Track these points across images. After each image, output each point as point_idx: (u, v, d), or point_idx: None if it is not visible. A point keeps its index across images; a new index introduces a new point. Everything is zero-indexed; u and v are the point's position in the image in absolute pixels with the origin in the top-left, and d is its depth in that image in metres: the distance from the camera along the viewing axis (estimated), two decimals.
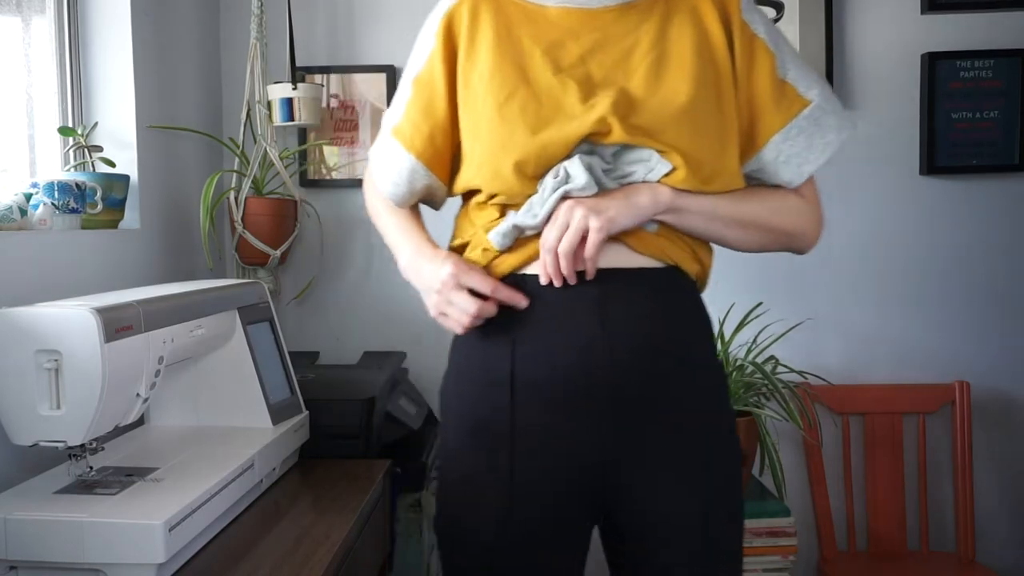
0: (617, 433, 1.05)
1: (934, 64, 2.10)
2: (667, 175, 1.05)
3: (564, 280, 1.05)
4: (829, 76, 2.10)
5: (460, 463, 1.13)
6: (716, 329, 2.00)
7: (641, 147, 1.04)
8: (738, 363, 1.91)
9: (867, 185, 2.15)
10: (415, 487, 1.69)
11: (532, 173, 1.05)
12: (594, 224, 1.01)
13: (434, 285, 1.10)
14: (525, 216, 1.06)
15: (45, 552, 0.99)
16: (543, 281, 1.06)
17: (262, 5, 1.97)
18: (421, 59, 1.16)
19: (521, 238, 1.08)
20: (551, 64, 1.07)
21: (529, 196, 1.06)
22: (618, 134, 1.03)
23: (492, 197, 1.09)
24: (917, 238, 2.16)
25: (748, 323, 1.99)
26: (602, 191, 1.04)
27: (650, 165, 1.05)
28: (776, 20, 2.10)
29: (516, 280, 1.08)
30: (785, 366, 1.95)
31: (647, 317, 1.05)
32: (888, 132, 2.14)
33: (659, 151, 1.04)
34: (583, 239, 1.02)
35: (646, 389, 1.05)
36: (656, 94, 1.05)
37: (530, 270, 1.08)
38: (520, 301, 1.07)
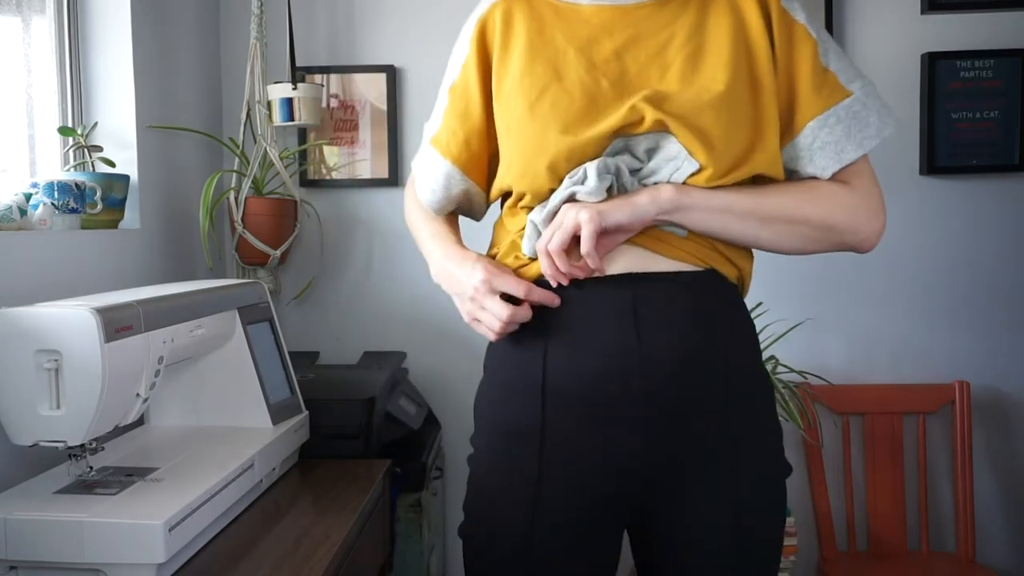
0: (648, 443, 1.03)
1: (934, 64, 2.10)
2: (693, 175, 1.02)
3: (573, 280, 1.04)
4: None
5: (489, 470, 1.12)
6: None
7: (672, 140, 1.02)
8: None
9: None
10: (415, 487, 1.69)
11: (564, 172, 1.04)
12: (583, 216, 0.99)
13: (467, 291, 1.08)
14: (537, 214, 1.06)
15: (45, 552, 0.99)
16: (553, 284, 1.05)
17: (262, 5, 1.97)
18: (456, 67, 1.16)
19: None
20: (585, 61, 1.06)
21: None
22: (650, 121, 1.01)
23: (522, 198, 1.08)
24: (917, 238, 2.16)
25: None
26: (620, 193, 1.03)
27: (677, 164, 1.02)
28: None
29: (546, 286, 1.06)
30: (785, 366, 1.95)
31: (682, 322, 1.03)
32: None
33: (688, 148, 1.01)
34: (577, 238, 1.01)
35: (680, 398, 1.02)
36: (692, 86, 1.03)
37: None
38: (554, 300, 1.05)
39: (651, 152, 1.04)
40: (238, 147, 1.97)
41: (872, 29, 2.13)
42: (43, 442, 1.05)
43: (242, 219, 1.93)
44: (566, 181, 1.04)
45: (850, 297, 2.17)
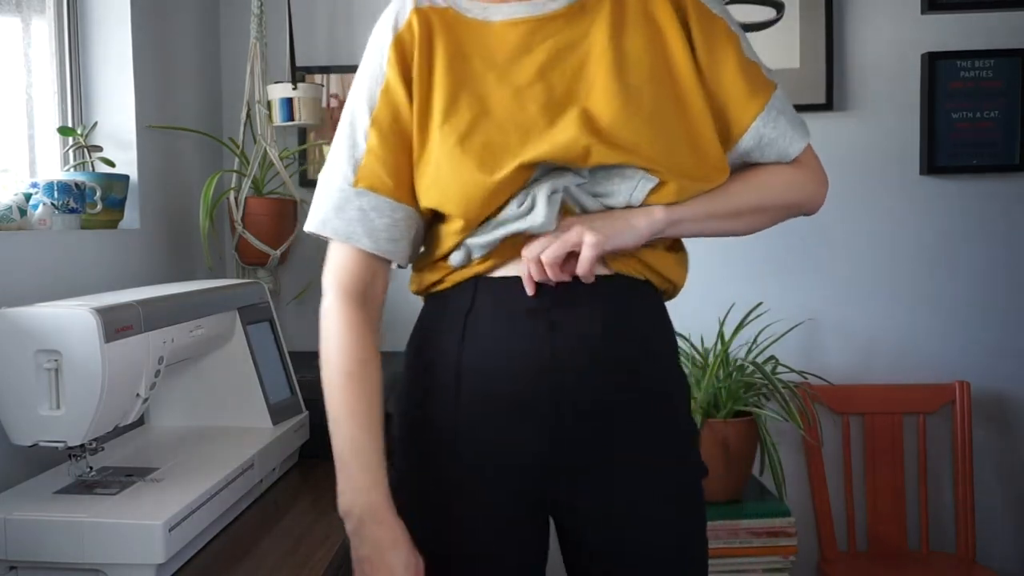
0: (556, 442, 1.03)
1: (934, 64, 2.10)
2: (654, 190, 1.01)
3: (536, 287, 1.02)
4: (829, 76, 2.10)
5: (406, 463, 1.11)
6: (716, 329, 2.00)
7: (624, 165, 1.01)
8: (738, 363, 1.91)
9: (867, 185, 2.15)
10: None
11: (501, 203, 1.01)
12: (589, 239, 0.97)
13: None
14: (477, 241, 1.02)
15: (45, 552, 0.99)
16: (529, 291, 1.02)
17: (262, 5, 1.97)
18: (374, 94, 1.06)
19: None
20: (509, 88, 1.01)
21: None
22: (598, 156, 0.98)
23: (453, 220, 1.03)
24: (917, 238, 2.16)
25: (748, 323, 1.99)
26: (584, 213, 1.02)
27: (633, 183, 1.01)
28: (776, 20, 2.10)
29: (468, 286, 1.05)
30: (785, 366, 1.95)
31: (592, 325, 1.02)
32: (888, 132, 2.14)
33: (643, 167, 1.00)
34: (572, 253, 0.99)
35: (590, 400, 1.02)
36: (621, 105, 1.00)
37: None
38: None
39: (595, 171, 1.02)
40: (238, 147, 1.97)
41: (872, 29, 2.13)
42: (43, 442, 1.05)
43: (242, 219, 1.93)
44: (512, 209, 1.00)
45: (850, 297, 2.17)
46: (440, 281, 1.07)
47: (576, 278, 1.01)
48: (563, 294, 1.02)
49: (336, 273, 1.07)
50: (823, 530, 2.09)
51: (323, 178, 1.07)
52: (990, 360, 2.16)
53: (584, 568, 1.10)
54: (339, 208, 1.04)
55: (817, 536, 2.13)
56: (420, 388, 1.09)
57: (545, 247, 0.99)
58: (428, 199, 1.04)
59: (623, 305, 1.05)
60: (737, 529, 1.82)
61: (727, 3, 2.06)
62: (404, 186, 1.05)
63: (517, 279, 1.02)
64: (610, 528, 1.06)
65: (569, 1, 1.04)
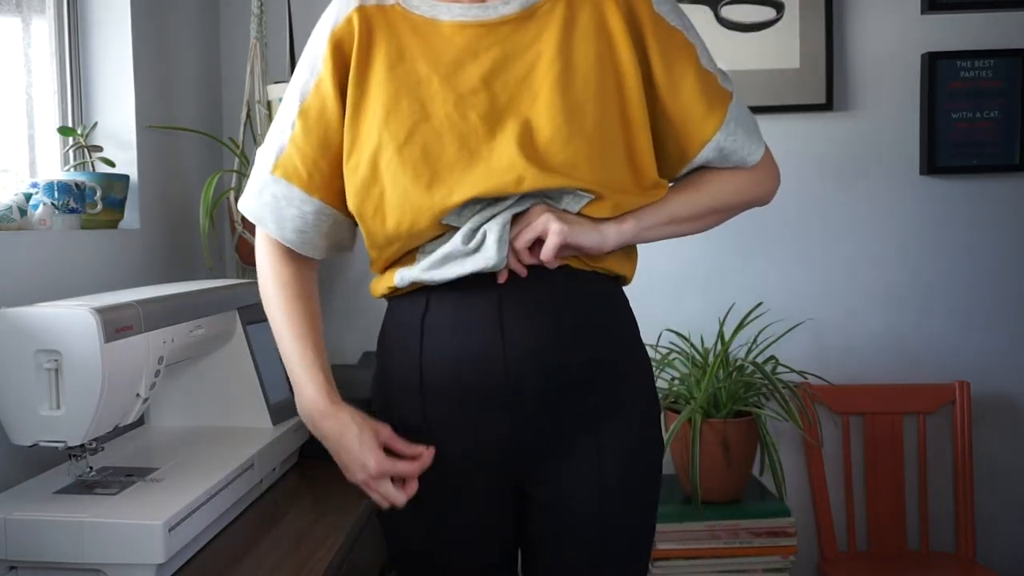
0: (516, 428, 1.05)
1: (934, 64, 2.10)
2: (589, 205, 1.02)
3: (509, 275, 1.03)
4: (829, 76, 2.10)
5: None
6: (716, 329, 2.00)
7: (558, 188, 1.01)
8: (738, 363, 1.91)
9: (867, 185, 2.15)
10: None
11: (436, 226, 1.01)
12: (553, 227, 0.98)
13: (355, 473, 1.02)
14: (423, 265, 1.03)
15: (45, 552, 0.99)
16: (501, 279, 1.03)
17: (262, 5, 1.97)
18: (307, 85, 1.06)
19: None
20: (452, 93, 1.00)
21: (434, 238, 1.03)
22: (532, 183, 0.98)
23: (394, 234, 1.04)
24: (917, 238, 2.16)
25: (748, 323, 1.99)
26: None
27: (569, 198, 1.02)
28: (776, 20, 2.10)
29: (420, 293, 1.06)
30: (785, 366, 1.95)
31: (544, 314, 1.03)
32: (888, 132, 2.14)
33: (579, 188, 1.01)
34: (539, 241, 1.00)
35: (544, 387, 1.03)
36: (563, 122, 1.00)
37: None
38: (425, 463, 1.03)
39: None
40: (238, 147, 1.97)
41: (872, 29, 2.13)
42: (43, 442, 1.05)
43: (242, 219, 1.92)
44: (458, 244, 1.00)
45: (850, 297, 2.17)
46: (394, 289, 1.09)
47: (531, 270, 1.02)
48: (513, 286, 1.03)
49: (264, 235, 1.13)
50: (823, 530, 2.09)
51: (257, 156, 1.10)
52: (990, 360, 2.16)
53: (533, 551, 1.12)
54: (258, 191, 1.09)
55: (817, 536, 2.13)
56: (388, 388, 1.11)
57: (517, 234, 1.00)
58: (355, 204, 1.04)
59: (574, 293, 1.06)
60: (737, 529, 1.82)
61: (727, 3, 2.06)
62: (319, 180, 1.06)
63: (464, 279, 1.02)
64: (566, 512, 1.08)
65: (521, 7, 1.03)
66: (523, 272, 1.02)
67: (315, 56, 1.06)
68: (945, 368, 2.16)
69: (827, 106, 2.11)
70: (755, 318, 2.00)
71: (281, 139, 1.07)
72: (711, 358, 1.91)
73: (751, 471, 1.92)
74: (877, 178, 2.15)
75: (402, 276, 1.06)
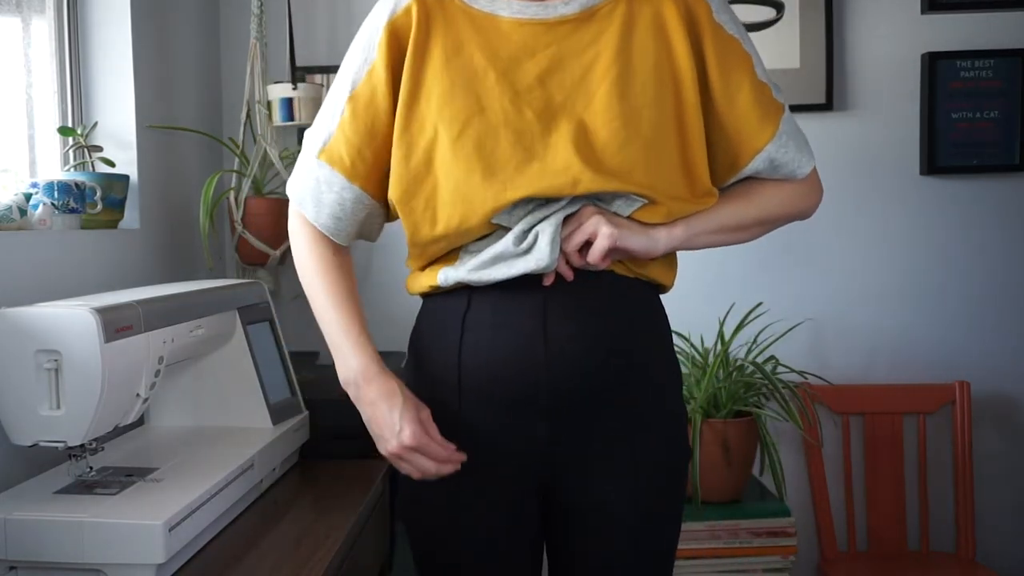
0: (555, 433, 1.05)
1: (934, 64, 2.10)
2: (641, 209, 1.03)
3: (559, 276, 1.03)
4: (829, 76, 2.10)
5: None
6: (716, 329, 2.00)
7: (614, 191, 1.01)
8: (738, 363, 1.91)
9: (867, 185, 2.15)
10: None
11: (487, 224, 1.01)
12: (603, 231, 0.99)
13: (388, 443, 1.02)
14: (474, 277, 1.03)
15: (45, 552, 0.99)
16: (547, 282, 1.04)
17: (262, 5, 1.97)
18: (359, 72, 1.05)
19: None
20: (508, 89, 1.00)
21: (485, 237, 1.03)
22: (587, 184, 0.99)
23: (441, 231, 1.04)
24: (917, 238, 2.16)
25: (748, 323, 1.99)
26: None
27: (622, 201, 1.03)
28: (776, 20, 2.10)
29: (462, 291, 1.06)
30: (785, 366, 1.95)
31: (586, 319, 1.03)
32: (888, 132, 2.14)
33: (634, 193, 1.01)
34: (588, 242, 1.02)
35: (585, 389, 1.04)
36: (620, 126, 1.00)
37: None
38: (460, 458, 1.02)
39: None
40: (238, 147, 1.97)
41: (872, 29, 2.13)
42: (43, 442, 1.05)
43: (242, 219, 1.92)
44: (509, 244, 1.00)
45: (850, 297, 2.17)
46: (436, 288, 1.08)
47: (576, 273, 1.03)
48: (557, 289, 1.03)
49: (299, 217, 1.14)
50: (823, 530, 2.09)
51: (305, 138, 1.11)
52: (990, 360, 2.16)
53: (564, 558, 1.13)
54: (303, 174, 1.10)
55: (817, 536, 2.13)
56: (423, 385, 1.10)
57: (567, 236, 1.01)
58: (401, 196, 1.04)
59: (618, 299, 1.06)
60: (737, 529, 1.82)
61: (728, 2, 2.05)
62: (362, 169, 1.06)
63: (509, 279, 1.02)
64: (599, 518, 1.08)
65: (581, 7, 1.03)
66: (570, 276, 1.03)
67: (369, 43, 1.05)
68: (945, 368, 2.16)
69: (827, 106, 2.11)
70: (755, 318, 2.00)
71: (330, 125, 1.07)
72: (711, 358, 1.91)
73: (751, 471, 1.92)
74: (877, 178, 2.15)
75: (446, 275, 1.05)
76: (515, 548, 1.12)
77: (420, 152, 1.02)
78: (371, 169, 1.07)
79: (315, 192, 1.09)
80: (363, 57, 1.06)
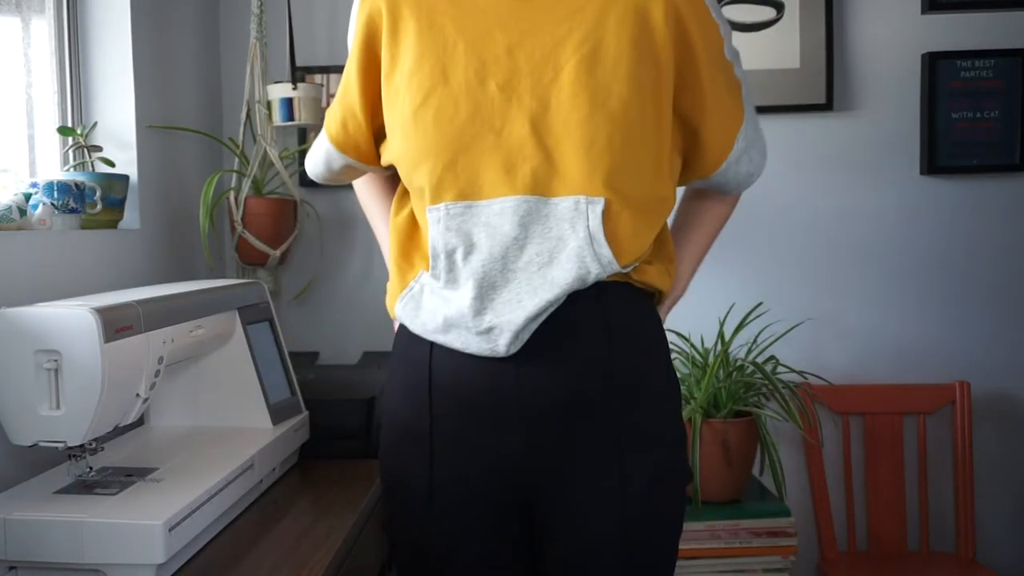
0: (531, 445, 1.03)
1: (934, 64, 2.10)
2: (605, 219, 0.99)
3: None
4: (829, 76, 2.10)
5: (390, 462, 1.12)
6: (716, 329, 2.00)
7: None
8: (738, 363, 1.91)
9: (867, 185, 2.15)
10: None
11: (444, 185, 1.01)
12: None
13: None
14: (429, 335, 1.06)
15: (45, 552, 0.99)
16: None
17: (262, 5, 1.97)
18: (350, 53, 1.12)
19: None
20: (475, 60, 1.00)
21: (444, 200, 1.02)
22: (535, 180, 0.99)
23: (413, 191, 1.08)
24: (917, 238, 2.16)
25: (748, 323, 1.99)
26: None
27: (584, 202, 0.99)
28: (776, 20, 2.10)
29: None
30: (785, 366, 1.95)
31: (562, 328, 1.01)
32: (888, 132, 2.14)
33: (588, 195, 0.98)
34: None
35: (562, 401, 1.01)
36: (584, 100, 0.97)
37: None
38: None
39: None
40: (238, 147, 1.97)
41: (872, 29, 2.13)
42: (43, 442, 1.05)
43: (242, 219, 1.93)
44: (467, 315, 1.02)
45: (850, 297, 2.17)
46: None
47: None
48: None
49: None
50: (823, 530, 2.09)
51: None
52: (990, 360, 2.16)
53: (546, 571, 1.10)
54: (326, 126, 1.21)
55: (817, 536, 2.13)
56: (396, 397, 1.11)
57: None
58: (383, 160, 1.14)
59: (595, 309, 1.03)
60: (737, 529, 1.82)
61: (727, 3, 2.06)
62: (337, 132, 1.16)
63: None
64: (578, 530, 1.05)
65: None
66: None
67: (351, 28, 1.11)
68: (945, 368, 2.16)
69: (827, 106, 2.11)
70: (755, 318, 2.00)
71: (338, 92, 1.16)
72: (711, 358, 1.91)
73: (751, 471, 1.92)
74: (877, 178, 2.15)
75: (406, 320, 1.10)
76: (497, 566, 1.10)
77: (397, 123, 1.05)
78: (340, 130, 1.15)
79: (315, 145, 1.24)
80: (350, 37, 1.12)
